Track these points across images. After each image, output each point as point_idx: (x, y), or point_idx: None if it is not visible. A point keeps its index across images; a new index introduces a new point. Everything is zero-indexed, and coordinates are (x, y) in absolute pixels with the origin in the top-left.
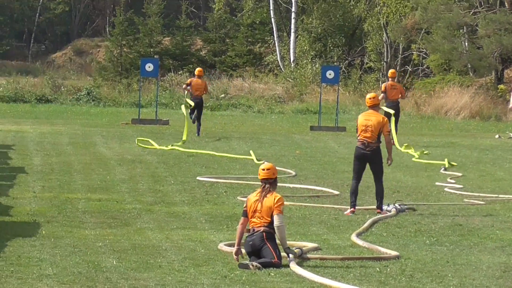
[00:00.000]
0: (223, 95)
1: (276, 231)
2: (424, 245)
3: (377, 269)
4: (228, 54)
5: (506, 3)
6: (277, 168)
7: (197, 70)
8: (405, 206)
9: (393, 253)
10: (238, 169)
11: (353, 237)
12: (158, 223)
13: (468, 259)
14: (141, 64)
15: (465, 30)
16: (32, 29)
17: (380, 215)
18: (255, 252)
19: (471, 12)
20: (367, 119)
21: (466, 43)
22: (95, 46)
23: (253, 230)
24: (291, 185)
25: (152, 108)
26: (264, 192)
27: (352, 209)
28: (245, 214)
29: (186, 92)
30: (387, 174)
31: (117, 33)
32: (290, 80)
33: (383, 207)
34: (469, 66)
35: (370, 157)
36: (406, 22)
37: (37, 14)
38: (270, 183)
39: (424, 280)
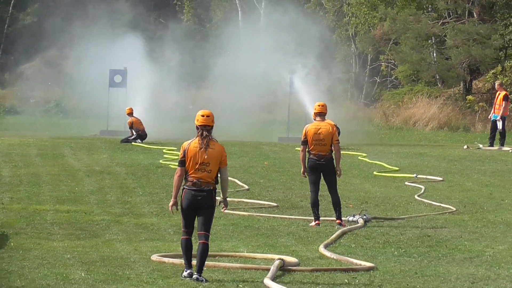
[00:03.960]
0: (191, 107)
1: (221, 183)
2: (393, 256)
3: (346, 281)
4: (196, 65)
5: (474, 14)
6: (233, 179)
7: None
8: (370, 216)
9: (365, 263)
10: None
11: (321, 249)
12: (127, 235)
13: (436, 270)
14: (109, 75)
15: (433, 41)
16: (0, 40)
17: (344, 227)
18: (193, 206)
19: (440, 23)
20: (317, 132)
21: (435, 54)
22: (64, 58)
23: (199, 183)
24: (237, 200)
25: (121, 119)
26: (205, 141)
27: (317, 221)
28: (183, 164)
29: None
30: (355, 185)
31: (86, 44)
32: (259, 91)
33: (349, 218)
34: (438, 77)
35: (324, 167)
36: (374, 33)
37: (6, 25)
38: (208, 130)
39: None
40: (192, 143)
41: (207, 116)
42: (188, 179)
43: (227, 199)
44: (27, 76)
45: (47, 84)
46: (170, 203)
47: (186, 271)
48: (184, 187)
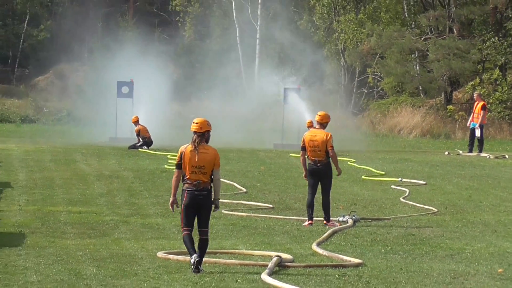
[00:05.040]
0: (193, 116)
1: (214, 183)
2: (380, 254)
3: (336, 276)
4: (197, 77)
5: (454, 30)
6: (232, 183)
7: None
8: (359, 217)
9: (354, 260)
10: None
11: (314, 246)
12: (134, 234)
13: (420, 266)
14: (117, 87)
15: (416, 55)
16: (16, 55)
17: (332, 227)
18: (195, 205)
19: (422, 38)
20: (312, 139)
21: (418, 67)
22: (75, 70)
23: (198, 184)
24: (235, 201)
25: (128, 127)
26: (195, 144)
27: (310, 221)
28: (179, 167)
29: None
30: (345, 188)
31: (96, 58)
32: (255, 102)
33: (339, 218)
34: (420, 88)
35: (320, 171)
36: (362, 48)
37: (21, 40)
38: (199, 135)
39: (379, 286)
40: (188, 148)
41: (196, 123)
42: (187, 181)
43: (219, 200)
44: (40, 88)
45: (59, 94)
46: (170, 201)
47: (192, 257)
48: (185, 189)
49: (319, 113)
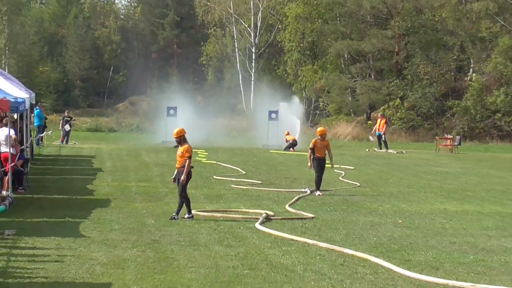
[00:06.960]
0: (211, 128)
1: (185, 169)
2: (327, 211)
3: (300, 224)
4: (215, 104)
5: (372, 75)
6: (236, 168)
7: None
8: (313, 189)
9: (310, 215)
10: (227, 171)
11: (287, 207)
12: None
13: (351, 219)
14: (166, 110)
15: (349, 91)
16: (105, 91)
17: (302, 194)
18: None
19: (353, 80)
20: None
21: (350, 98)
22: (141, 100)
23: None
24: (239, 179)
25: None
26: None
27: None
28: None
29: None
30: (304, 171)
31: (154, 92)
32: (251, 119)
33: (302, 189)
34: (351, 110)
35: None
36: (316, 86)
37: (108, 82)
38: (179, 140)
39: (326, 231)
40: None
41: (176, 132)
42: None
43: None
44: (120, 111)
45: (132, 115)
46: (173, 178)
47: (189, 215)
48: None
49: (320, 129)
